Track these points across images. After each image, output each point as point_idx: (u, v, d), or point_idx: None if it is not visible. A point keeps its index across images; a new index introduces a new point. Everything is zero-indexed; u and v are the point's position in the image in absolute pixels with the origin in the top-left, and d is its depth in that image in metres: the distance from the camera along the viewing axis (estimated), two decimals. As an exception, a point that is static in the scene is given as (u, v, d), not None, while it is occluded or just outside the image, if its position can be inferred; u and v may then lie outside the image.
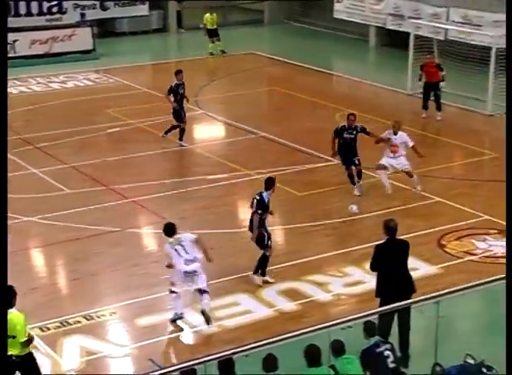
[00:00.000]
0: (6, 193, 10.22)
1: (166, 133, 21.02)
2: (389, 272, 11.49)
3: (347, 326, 9.96)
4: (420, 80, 23.41)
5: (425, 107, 23.21)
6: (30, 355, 10.34)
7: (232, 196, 18.18)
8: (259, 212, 13.67)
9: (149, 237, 16.17)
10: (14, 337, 9.98)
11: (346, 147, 17.40)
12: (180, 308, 12.68)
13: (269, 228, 14.14)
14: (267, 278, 13.91)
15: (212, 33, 31.63)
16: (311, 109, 24.05)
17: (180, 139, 20.98)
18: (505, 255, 14.85)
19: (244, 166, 19.42)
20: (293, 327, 11.24)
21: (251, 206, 13.91)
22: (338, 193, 17.75)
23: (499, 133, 22.55)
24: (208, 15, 31.72)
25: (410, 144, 17.48)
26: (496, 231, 15.85)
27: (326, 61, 30.50)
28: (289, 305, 13.29)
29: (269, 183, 13.94)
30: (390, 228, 11.63)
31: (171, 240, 12.57)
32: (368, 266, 13.45)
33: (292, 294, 13.59)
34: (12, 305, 10.04)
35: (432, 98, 23.15)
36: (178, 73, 21.03)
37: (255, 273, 13.92)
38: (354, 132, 17.31)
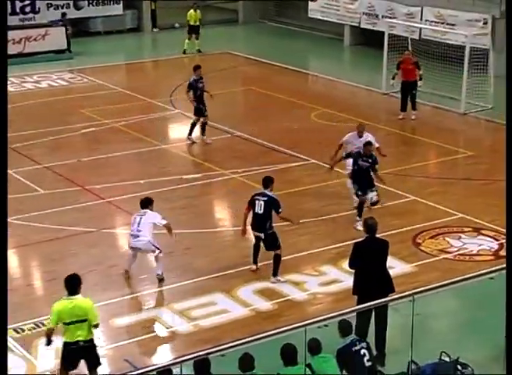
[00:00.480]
0: (6, 193, 10.14)
1: (190, 134, 21.00)
2: (367, 270, 11.51)
3: (324, 325, 9.97)
4: (393, 78, 23.31)
5: (404, 109, 22.91)
6: (93, 340, 10.59)
7: (207, 196, 18.18)
8: (280, 210, 13.96)
9: (125, 237, 16.05)
10: (84, 320, 10.36)
11: (362, 173, 16.09)
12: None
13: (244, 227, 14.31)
14: (279, 278, 14.00)
15: (193, 30, 31.60)
16: (287, 109, 24.06)
17: (202, 134, 21.00)
18: (480, 253, 15.04)
19: (220, 166, 19.40)
20: (269, 327, 11.26)
21: (251, 208, 13.99)
22: (312, 192, 17.78)
23: (472, 132, 22.81)
24: (191, 11, 31.78)
25: (376, 145, 17.39)
26: (470, 229, 15.94)
27: (301, 60, 30.50)
28: (265, 305, 13.29)
29: (269, 182, 14.25)
30: (370, 226, 11.67)
31: (141, 211, 13.97)
32: (343, 264, 13.55)
33: (268, 294, 13.60)
34: (78, 292, 10.50)
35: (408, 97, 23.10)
36: (196, 68, 20.99)
37: (275, 275, 13.94)
38: (370, 160, 16.05)
